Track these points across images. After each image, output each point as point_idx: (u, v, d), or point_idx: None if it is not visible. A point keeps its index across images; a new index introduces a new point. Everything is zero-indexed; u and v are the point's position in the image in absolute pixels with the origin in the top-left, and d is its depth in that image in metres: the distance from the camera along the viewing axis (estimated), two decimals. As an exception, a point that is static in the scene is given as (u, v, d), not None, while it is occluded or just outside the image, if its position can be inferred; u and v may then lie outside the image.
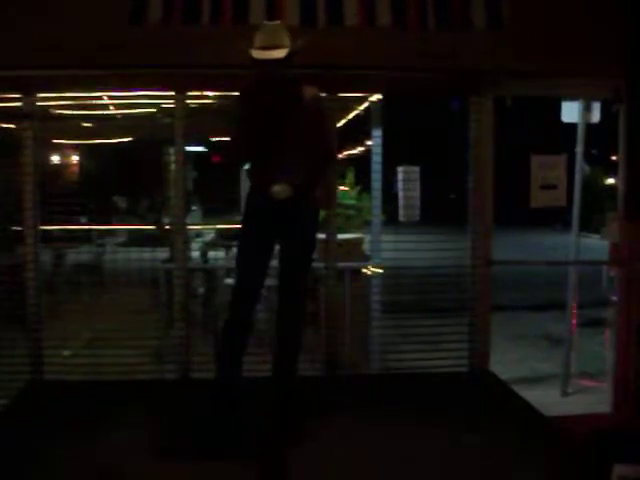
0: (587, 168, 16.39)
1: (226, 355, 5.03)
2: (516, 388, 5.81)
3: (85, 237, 12.50)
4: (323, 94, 5.02)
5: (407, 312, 6.85)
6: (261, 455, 4.47)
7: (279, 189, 4.70)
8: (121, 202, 19.72)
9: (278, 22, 5.01)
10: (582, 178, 7.89)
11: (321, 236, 7.16)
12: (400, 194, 6.93)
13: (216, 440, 4.60)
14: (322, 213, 6.80)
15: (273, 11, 5.69)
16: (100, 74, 5.81)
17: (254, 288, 5.05)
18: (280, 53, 4.70)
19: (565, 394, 7.87)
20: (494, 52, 5.92)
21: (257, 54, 4.70)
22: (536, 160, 6.46)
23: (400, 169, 6.93)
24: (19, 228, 6.36)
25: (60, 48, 5.53)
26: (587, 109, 7.68)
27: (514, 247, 9.03)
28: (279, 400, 4.98)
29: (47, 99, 6.68)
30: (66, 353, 6.71)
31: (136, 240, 13.56)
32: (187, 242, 6.56)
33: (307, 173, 4.87)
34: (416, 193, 6.89)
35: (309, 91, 4.89)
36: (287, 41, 4.77)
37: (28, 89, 5.99)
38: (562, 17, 6.01)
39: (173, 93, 6.03)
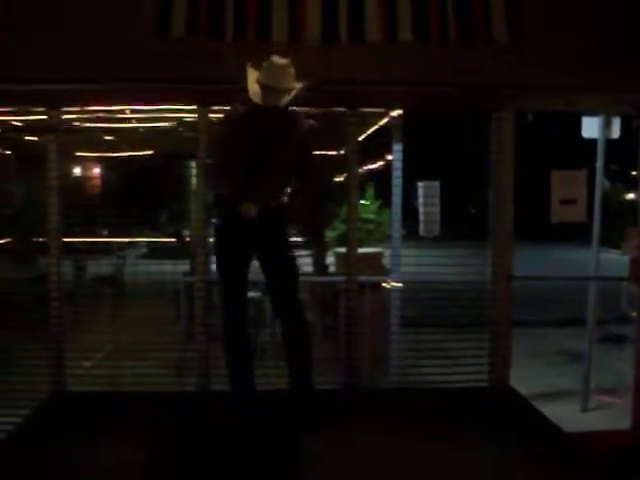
0: (607, 183, 16.36)
1: (234, 374, 5.17)
2: (536, 403, 5.79)
3: (105, 249, 12.59)
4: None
5: (427, 327, 6.86)
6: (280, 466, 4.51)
7: (247, 208, 4.88)
8: (142, 214, 19.82)
9: (286, 60, 5.05)
10: (602, 193, 7.87)
11: (341, 250, 7.22)
12: (420, 209, 6.95)
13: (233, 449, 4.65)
14: (342, 227, 6.85)
15: (295, 28, 5.74)
16: (124, 88, 5.86)
17: (239, 303, 5.22)
18: (284, 97, 4.93)
19: (585, 410, 7.84)
20: (515, 67, 5.92)
21: (263, 91, 4.90)
22: (556, 175, 6.47)
23: (420, 184, 6.95)
24: (41, 240, 6.42)
25: (85, 63, 5.60)
26: (607, 124, 7.67)
27: (534, 262, 8.97)
28: (297, 412, 5.02)
29: (70, 112, 6.76)
30: (87, 364, 6.76)
31: (157, 252, 13.66)
32: (208, 255, 6.59)
33: (279, 194, 5.04)
34: (436, 208, 6.91)
35: (292, 114, 5.07)
36: (293, 83, 4.94)
37: (53, 103, 6.06)
38: (583, 33, 6.00)
39: (196, 107, 6.09)
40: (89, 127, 7.97)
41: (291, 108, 5.09)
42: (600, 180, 7.83)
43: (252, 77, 4.97)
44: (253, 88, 4.96)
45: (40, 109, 6.17)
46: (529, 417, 5.47)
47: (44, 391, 6.06)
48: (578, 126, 7.83)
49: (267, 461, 4.50)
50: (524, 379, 6.49)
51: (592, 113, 7.59)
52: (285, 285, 5.15)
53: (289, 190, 5.13)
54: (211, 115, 6.05)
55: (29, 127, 7.49)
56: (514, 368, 6.41)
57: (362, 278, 6.68)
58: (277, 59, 5.02)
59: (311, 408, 5.07)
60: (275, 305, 5.26)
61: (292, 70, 4.98)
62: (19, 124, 7.73)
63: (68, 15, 5.65)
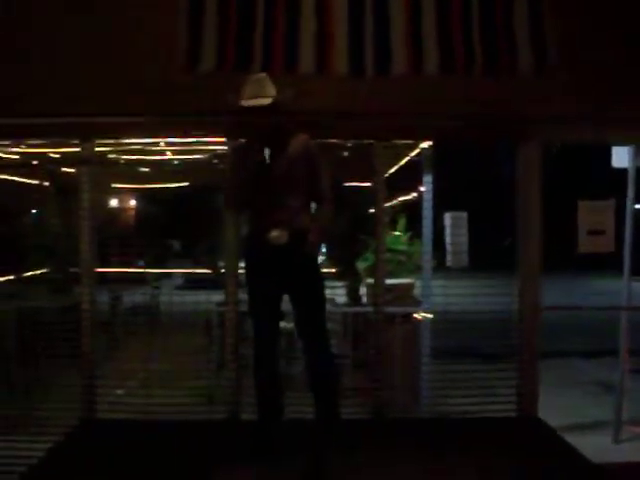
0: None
1: (263, 404, 5.19)
2: (567, 434, 5.75)
3: (141, 279, 12.72)
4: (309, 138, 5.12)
5: (456, 357, 6.86)
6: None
7: (276, 235, 4.88)
8: (177, 245, 20.03)
9: (263, 74, 5.14)
10: (632, 222, 7.84)
11: (371, 281, 7.26)
12: (448, 240, 6.99)
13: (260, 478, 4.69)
14: (374, 258, 6.90)
15: (322, 60, 5.84)
16: (156, 121, 5.99)
17: (272, 334, 5.19)
18: (265, 101, 4.90)
19: (617, 441, 7.78)
20: (542, 98, 5.95)
21: (245, 103, 4.92)
22: (583, 205, 6.47)
23: (447, 215, 6.99)
24: (76, 270, 6.53)
25: (117, 95, 5.75)
26: (638, 154, 7.66)
27: (563, 293, 8.97)
28: (321, 445, 5.05)
29: (105, 144, 6.90)
30: (119, 392, 6.84)
31: (192, 283, 13.79)
32: (240, 285, 6.66)
33: (303, 217, 5.02)
34: (464, 239, 6.94)
35: (298, 138, 5.07)
36: (272, 91, 4.97)
37: (86, 135, 6.20)
38: (611, 63, 6.01)
39: (226, 139, 6.20)
40: (122, 159, 8.12)
41: (288, 129, 5.12)
42: (630, 209, 7.80)
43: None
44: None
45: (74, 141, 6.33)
46: (557, 448, 5.45)
47: (76, 418, 6.15)
48: (606, 155, 7.83)
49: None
50: (555, 410, 6.45)
51: (621, 143, 7.58)
52: (312, 315, 5.14)
53: (311, 212, 5.14)
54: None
55: (64, 159, 7.64)
56: (545, 398, 6.37)
57: (392, 308, 6.71)
58: (254, 75, 5.15)
59: (335, 439, 5.08)
60: (301, 334, 5.24)
61: (268, 80, 5.05)
62: (55, 156, 7.89)
63: (100, 48, 5.79)
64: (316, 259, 5.21)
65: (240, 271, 6.39)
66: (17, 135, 6.49)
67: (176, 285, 15.52)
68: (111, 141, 6.89)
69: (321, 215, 5.15)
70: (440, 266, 7.39)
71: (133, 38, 5.76)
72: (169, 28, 5.80)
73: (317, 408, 5.17)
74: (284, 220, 4.91)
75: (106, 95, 5.76)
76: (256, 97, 4.90)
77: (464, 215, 7.00)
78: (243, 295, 6.45)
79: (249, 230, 5.20)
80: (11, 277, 9.12)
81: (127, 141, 6.99)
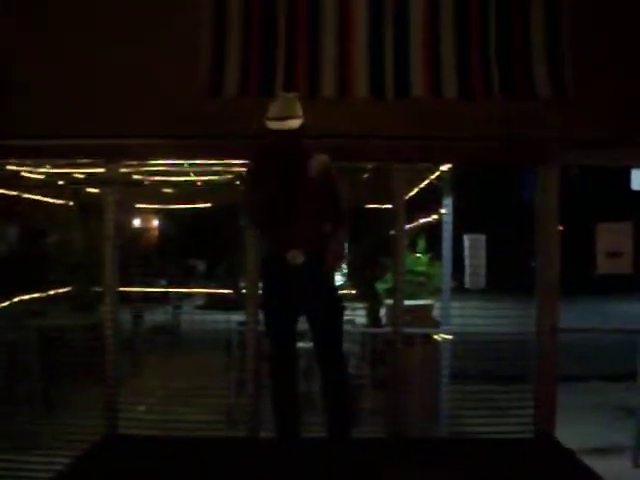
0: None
1: (280, 423, 5.16)
2: (587, 458, 5.72)
3: (162, 299, 12.83)
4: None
5: (474, 378, 6.88)
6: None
7: (293, 256, 4.88)
8: (198, 265, 20.14)
9: (293, 94, 5.16)
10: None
11: (390, 302, 7.30)
12: (466, 262, 7.03)
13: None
14: (392, 279, 6.96)
15: (344, 84, 5.93)
16: (180, 144, 6.10)
17: (289, 354, 5.17)
18: (294, 123, 4.89)
19: (637, 465, 7.73)
20: (560, 121, 5.99)
21: (272, 124, 4.89)
22: (602, 227, 6.51)
23: (466, 237, 7.04)
24: (98, 289, 6.60)
25: (143, 119, 5.86)
26: (658, 177, 7.70)
27: (583, 315, 9.01)
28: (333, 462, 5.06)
29: (129, 165, 7.01)
30: (141, 409, 6.92)
31: (215, 303, 13.88)
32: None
33: (320, 238, 5.00)
34: (482, 261, 6.99)
35: (318, 159, 5.04)
36: (300, 112, 4.94)
37: (111, 156, 6.32)
38: (629, 87, 6.05)
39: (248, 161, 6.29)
40: (147, 180, 8.23)
41: (302, 146, 5.07)
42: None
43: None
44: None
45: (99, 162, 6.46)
46: (575, 470, 5.44)
47: (97, 434, 6.23)
48: (625, 177, 7.86)
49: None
50: (574, 433, 6.45)
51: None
52: (330, 334, 5.12)
53: (328, 232, 5.09)
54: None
55: (89, 179, 7.75)
56: (565, 422, 6.38)
57: (411, 330, 6.75)
58: (283, 93, 5.20)
59: (346, 461, 5.10)
60: (317, 354, 5.19)
61: (296, 101, 5.02)
62: (80, 176, 8.02)
63: (125, 71, 5.91)
64: (333, 280, 5.22)
65: (260, 291, 6.47)
66: (44, 155, 6.61)
67: (197, 305, 15.64)
68: (135, 162, 7.00)
69: (338, 236, 5.16)
70: (459, 288, 7.43)
71: (159, 65, 5.88)
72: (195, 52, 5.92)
73: (329, 428, 5.12)
74: (302, 241, 4.90)
75: (133, 117, 5.88)
76: (285, 118, 4.88)
77: (482, 237, 7.05)
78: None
79: (266, 250, 5.21)
80: (34, 295, 9.22)
81: (150, 162, 7.10)
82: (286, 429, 5.13)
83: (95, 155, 6.36)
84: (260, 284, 5.36)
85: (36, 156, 6.61)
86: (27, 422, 6.94)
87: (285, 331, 5.13)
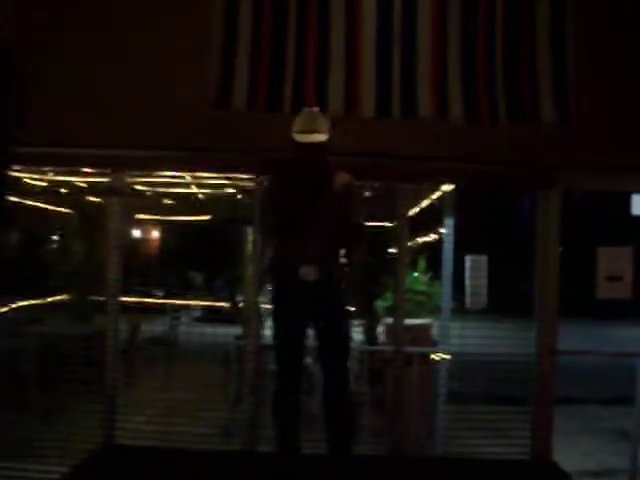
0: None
1: (281, 437, 5.12)
2: (583, 480, 5.76)
3: (160, 309, 12.81)
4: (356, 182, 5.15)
5: (472, 399, 6.90)
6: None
7: (306, 271, 4.86)
8: (197, 278, 20.13)
9: (317, 109, 5.26)
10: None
11: (389, 320, 7.32)
12: (467, 282, 7.06)
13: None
14: (392, 298, 6.97)
15: (350, 102, 5.98)
16: (186, 156, 6.14)
17: (295, 369, 5.15)
18: (322, 137, 4.95)
19: (633, 489, 7.74)
20: (563, 146, 6.05)
21: (299, 137, 4.96)
22: (602, 252, 6.54)
23: (468, 258, 7.08)
24: (97, 298, 6.61)
25: (152, 131, 5.91)
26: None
27: (581, 338, 9.03)
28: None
29: (131, 175, 7.03)
30: (137, 420, 6.92)
31: (212, 316, 13.89)
32: (260, 319, 6.74)
33: (334, 256, 5.02)
34: (483, 281, 7.02)
35: (342, 177, 5.06)
36: (326, 127, 5.00)
37: (118, 166, 6.36)
38: (631, 113, 6.12)
39: (254, 176, 6.34)
40: (151, 191, 8.24)
41: (327, 163, 5.11)
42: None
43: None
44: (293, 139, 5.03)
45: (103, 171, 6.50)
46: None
47: (94, 443, 6.24)
48: (625, 202, 7.90)
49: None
50: (571, 456, 6.49)
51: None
52: (336, 351, 5.13)
53: (343, 252, 5.10)
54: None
55: (95, 189, 7.77)
56: (561, 444, 6.40)
57: (409, 348, 6.77)
58: (308, 109, 5.25)
59: (348, 474, 5.11)
60: (323, 368, 5.18)
61: (323, 116, 5.11)
62: (83, 185, 8.03)
63: (135, 85, 5.97)
64: (344, 297, 5.21)
65: (261, 306, 6.50)
66: (51, 163, 6.64)
67: (194, 317, 15.63)
68: (138, 173, 7.02)
69: (352, 255, 5.18)
70: (459, 308, 7.46)
71: (167, 77, 5.94)
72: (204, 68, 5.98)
73: (330, 442, 5.10)
74: (315, 257, 4.89)
75: (141, 130, 5.93)
76: (312, 132, 4.94)
77: (484, 258, 7.08)
78: (262, 330, 6.56)
79: (279, 263, 5.16)
80: (33, 302, 9.22)
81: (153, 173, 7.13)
82: (287, 442, 5.09)
83: (106, 165, 6.40)
84: (271, 296, 5.32)
85: (41, 163, 6.65)
86: (25, 430, 6.93)
87: (294, 344, 5.11)
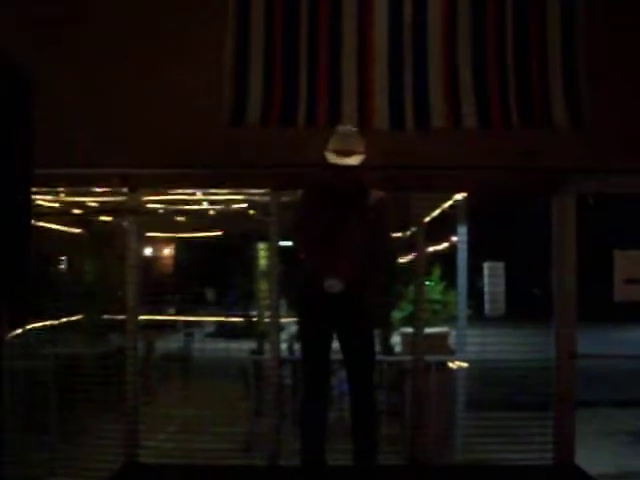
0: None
1: (307, 449, 5.14)
2: (606, 484, 5.75)
3: (172, 326, 12.80)
4: (387, 196, 5.16)
5: (493, 405, 6.90)
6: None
7: (331, 283, 4.89)
8: (209, 294, 20.15)
9: (354, 128, 5.27)
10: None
11: (407, 330, 7.33)
12: (485, 289, 7.07)
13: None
14: (408, 308, 6.99)
15: (364, 115, 6.01)
16: (201, 174, 6.21)
17: (322, 380, 5.19)
18: (355, 160, 4.98)
19: (659, 490, 7.72)
20: (577, 151, 6.07)
21: (332, 158, 4.98)
22: (619, 255, 6.56)
23: (485, 265, 7.09)
24: (111, 317, 6.62)
25: (165, 148, 5.95)
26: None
27: (598, 341, 9.01)
28: None
29: (145, 194, 7.06)
30: (160, 437, 6.93)
31: (225, 331, 13.88)
32: (279, 334, 6.74)
33: (361, 271, 5.00)
34: (501, 288, 7.03)
35: (377, 197, 5.08)
36: (362, 147, 5.02)
37: (134, 186, 6.40)
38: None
39: (268, 190, 6.36)
40: (165, 208, 8.26)
41: (361, 180, 5.13)
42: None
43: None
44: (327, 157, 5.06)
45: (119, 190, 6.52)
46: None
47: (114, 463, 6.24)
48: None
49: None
50: (592, 459, 6.47)
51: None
52: (362, 364, 5.14)
53: (369, 267, 5.10)
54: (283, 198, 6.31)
55: (110, 209, 7.79)
56: (583, 448, 6.40)
57: (431, 357, 6.78)
58: (344, 127, 5.27)
59: None
60: (349, 382, 5.21)
61: (359, 136, 5.12)
62: (94, 204, 8.05)
63: (155, 102, 6.03)
64: (368, 309, 5.20)
65: (282, 320, 6.51)
66: (69, 183, 6.68)
67: (207, 332, 15.63)
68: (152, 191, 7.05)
69: (379, 270, 5.20)
70: (475, 315, 7.47)
71: (180, 95, 5.99)
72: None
73: (356, 452, 5.11)
74: (342, 270, 4.91)
75: (155, 148, 5.97)
76: (348, 153, 4.96)
77: (501, 265, 7.10)
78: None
79: (305, 274, 5.17)
80: (47, 323, 9.23)
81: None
82: (313, 454, 5.10)
83: (119, 184, 6.44)
84: (297, 309, 5.33)
85: (59, 184, 6.69)
86: (46, 451, 6.94)
87: (320, 356, 5.13)
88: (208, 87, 5.96)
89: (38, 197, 7.57)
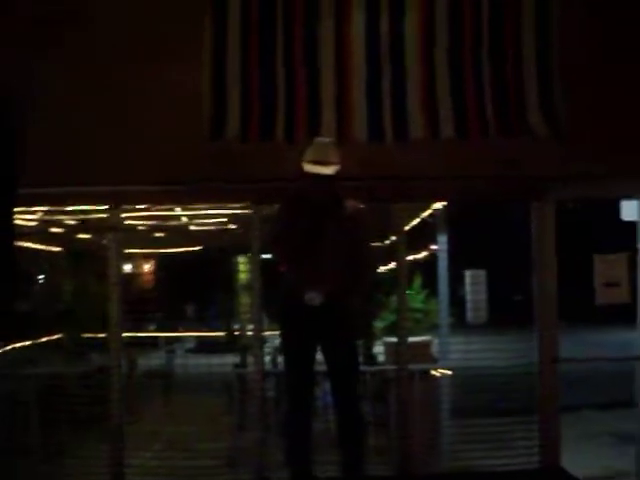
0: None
1: (294, 461, 5.15)
2: (591, 485, 5.77)
3: (153, 343, 12.74)
4: (363, 206, 5.19)
5: (478, 411, 6.92)
6: None
7: (311, 296, 4.91)
8: (189, 309, 20.12)
9: (330, 139, 5.32)
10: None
11: (390, 339, 7.34)
12: (468, 297, 7.10)
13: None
14: (390, 317, 7.00)
15: (343, 127, 6.03)
16: (183, 190, 6.20)
17: (306, 392, 5.19)
18: (331, 170, 4.98)
19: (645, 491, 7.75)
20: (554, 158, 6.11)
21: (309, 168, 4.99)
22: (598, 259, 6.61)
23: (467, 273, 7.12)
24: (91, 336, 6.57)
25: (146, 165, 5.93)
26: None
27: (580, 345, 9.05)
28: None
29: (126, 211, 7.04)
30: (146, 455, 6.89)
31: (206, 346, 13.85)
32: (262, 347, 6.73)
33: (341, 282, 5.00)
34: (483, 296, 7.06)
35: (352, 207, 5.11)
36: (337, 158, 5.04)
37: (115, 203, 6.35)
38: (619, 124, 6.19)
39: (249, 204, 6.36)
40: (144, 225, 8.24)
41: (336, 191, 5.11)
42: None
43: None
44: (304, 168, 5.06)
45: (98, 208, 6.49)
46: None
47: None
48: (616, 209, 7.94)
49: None
50: (577, 462, 6.49)
51: (629, 197, 7.70)
52: (346, 375, 5.14)
53: (349, 277, 5.09)
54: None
55: (92, 226, 7.75)
56: (566, 451, 6.42)
57: (415, 366, 6.78)
58: (321, 139, 5.29)
59: None
60: (333, 393, 5.22)
61: (335, 147, 5.16)
62: (74, 222, 8.02)
63: (131, 122, 6.00)
64: (351, 320, 5.20)
65: (265, 333, 6.49)
66: (51, 203, 6.70)
67: (187, 348, 15.59)
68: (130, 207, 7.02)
69: (360, 280, 5.21)
70: (459, 322, 7.49)
71: (159, 113, 5.96)
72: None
73: (344, 464, 5.11)
74: (322, 283, 4.93)
75: (135, 165, 5.95)
76: (323, 164, 4.96)
77: (482, 273, 7.13)
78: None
79: (286, 287, 5.17)
80: (26, 343, 9.16)
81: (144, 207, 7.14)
82: (299, 465, 5.10)
83: (100, 201, 6.41)
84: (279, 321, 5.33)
85: (42, 203, 6.65)
86: (30, 473, 6.88)
87: (303, 367, 5.12)
88: (190, 103, 5.96)
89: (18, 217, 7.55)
